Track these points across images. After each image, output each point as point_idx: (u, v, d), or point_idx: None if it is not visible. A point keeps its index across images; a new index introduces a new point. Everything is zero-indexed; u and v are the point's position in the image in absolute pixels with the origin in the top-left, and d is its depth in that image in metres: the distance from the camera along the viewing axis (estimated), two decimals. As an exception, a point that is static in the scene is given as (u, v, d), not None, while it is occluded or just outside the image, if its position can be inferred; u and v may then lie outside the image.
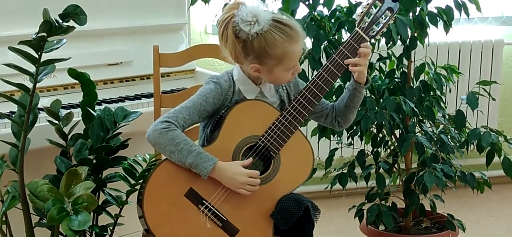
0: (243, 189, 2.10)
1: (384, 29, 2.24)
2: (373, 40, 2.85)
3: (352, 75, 2.23)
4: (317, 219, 2.19)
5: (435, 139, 2.92)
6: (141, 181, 2.33)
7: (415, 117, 2.92)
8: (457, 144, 2.95)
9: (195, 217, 2.11)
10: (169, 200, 2.10)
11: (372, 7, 2.21)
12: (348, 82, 2.29)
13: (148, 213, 2.09)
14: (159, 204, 2.10)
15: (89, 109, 2.41)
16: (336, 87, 2.91)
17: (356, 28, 2.20)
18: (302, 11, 2.81)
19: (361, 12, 2.22)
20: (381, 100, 2.87)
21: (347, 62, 2.18)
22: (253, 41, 2.09)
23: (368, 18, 2.20)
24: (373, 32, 2.21)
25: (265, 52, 2.10)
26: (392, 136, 3.01)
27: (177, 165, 2.10)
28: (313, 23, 2.77)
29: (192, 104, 2.15)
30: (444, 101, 3.00)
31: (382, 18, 2.21)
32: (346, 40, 2.19)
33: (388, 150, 3.07)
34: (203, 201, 2.12)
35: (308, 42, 2.83)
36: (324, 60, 2.57)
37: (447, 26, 2.83)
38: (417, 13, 2.80)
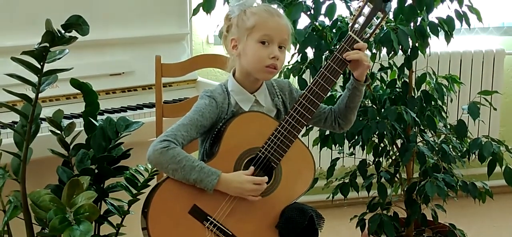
0: (251, 196, 2.11)
1: (377, 31, 2.23)
2: (374, 50, 2.90)
3: (351, 74, 2.23)
4: (322, 227, 2.19)
5: (437, 148, 2.92)
6: (143, 191, 2.33)
7: (416, 127, 2.92)
8: (459, 154, 2.95)
9: (200, 234, 2.11)
10: (173, 220, 2.09)
11: (364, 10, 2.21)
12: (347, 83, 2.29)
13: (154, 235, 2.09)
14: (165, 225, 2.09)
15: (91, 119, 2.41)
16: (337, 96, 2.92)
17: (349, 32, 2.20)
18: (303, 21, 2.82)
19: (353, 15, 2.22)
20: (383, 110, 2.88)
21: (347, 56, 2.16)
22: (238, 18, 2.17)
23: (361, 21, 2.20)
24: (366, 34, 2.21)
25: (242, 22, 2.15)
26: (394, 146, 3.01)
27: (179, 183, 2.09)
28: (314, 33, 2.78)
29: (188, 120, 2.14)
30: (445, 111, 3.00)
31: (374, 20, 2.21)
32: (340, 45, 2.19)
33: (390, 160, 3.07)
34: (208, 217, 2.11)
35: (310, 52, 2.84)
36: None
37: (448, 36, 2.83)
38: (418, 23, 2.81)
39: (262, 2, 2.25)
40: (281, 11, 2.24)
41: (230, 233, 2.12)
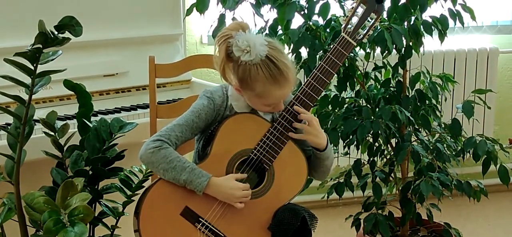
0: (238, 203, 2.10)
1: (370, 32, 2.23)
2: (368, 49, 2.90)
3: None
4: (315, 227, 2.18)
5: (431, 148, 2.92)
6: (137, 192, 2.32)
7: (411, 126, 2.92)
8: (453, 153, 2.95)
9: (192, 236, 2.10)
10: (165, 221, 2.09)
11: (357, 11, 2.21)
12: None
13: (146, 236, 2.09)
14: (156, 226, 2.09)
15: (85, 120, 2.40)
16: (332, 96, 2.91)
17: (342, 33, 2.20)
18: (297, 21, 2.82)
19: (346, 17, 2.21)
20: (377, 109, 2.88)
21: (291, 135, 2.15)
22: (240, 66, 2.08)
23: (354, 22, 2.20)
24: (359, 36, 2.20)
25: (246, 81, 2.08)
26: (388, 145, 3.01)
27: (171, 185, 2.09)
28: (308, 33, 2.78)
29: (184, 121, 2.15)
30: (439, 110, 3.00)
31: (367, 21, 2.20)
32: (333, 47, 2.19)
33: (385, 159, 3.07)
34: (200, 219, 2.11)
35: (304, 52, 2.83)
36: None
37: (442, 35, 2.83)
38: (412, 22, 2.81)
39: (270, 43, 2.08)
40: (288, 59, 2.11)
41: (222, 235, 2.12)
